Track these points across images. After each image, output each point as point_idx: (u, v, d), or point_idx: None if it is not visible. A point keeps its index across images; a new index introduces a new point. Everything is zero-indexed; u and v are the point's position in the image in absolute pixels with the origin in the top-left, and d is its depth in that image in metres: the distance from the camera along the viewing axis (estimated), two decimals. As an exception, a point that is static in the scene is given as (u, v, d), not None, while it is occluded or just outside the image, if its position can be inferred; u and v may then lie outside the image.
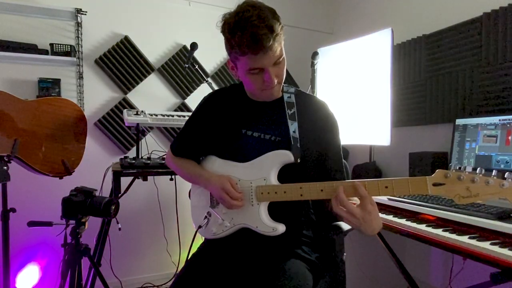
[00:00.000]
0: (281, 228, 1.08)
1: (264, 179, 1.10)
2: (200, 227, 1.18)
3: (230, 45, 1.05)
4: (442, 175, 0.91)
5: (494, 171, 0.90)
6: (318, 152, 1.17)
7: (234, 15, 1.02)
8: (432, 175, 0.92)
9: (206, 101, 1.28)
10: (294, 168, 1.11)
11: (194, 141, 1.27)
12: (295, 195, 1.06)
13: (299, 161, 1.10)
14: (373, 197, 0.96)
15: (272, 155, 1.11)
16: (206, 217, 1.18)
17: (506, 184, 0.86)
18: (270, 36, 0.98)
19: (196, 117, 1.29)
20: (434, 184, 0.92)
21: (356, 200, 0.99)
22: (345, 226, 1.31)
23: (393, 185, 0.96)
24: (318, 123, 1.18)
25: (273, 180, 1.10)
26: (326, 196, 1.03)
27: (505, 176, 0.87)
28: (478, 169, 0.89)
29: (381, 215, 1.63)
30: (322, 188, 1.03)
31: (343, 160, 1.24)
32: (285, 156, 1.09)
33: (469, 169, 0.90)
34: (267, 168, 1.10)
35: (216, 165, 1.20)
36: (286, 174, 1.12)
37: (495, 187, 0.87)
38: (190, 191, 1.31)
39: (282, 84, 1.17)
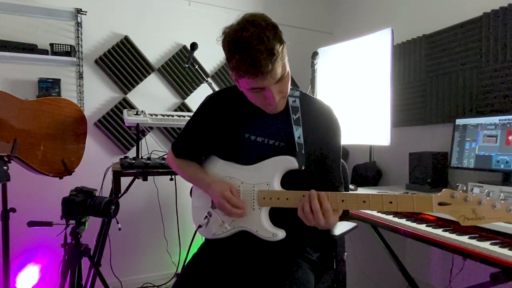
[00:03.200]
0: (281, 234, 1.08)
1: (267, 184, 1.09)
2: (200, 226, 1.18)
3: (229, 65, 1.02)
4: (448, 195, 0.91)
5: (502, 194, 0.90)
6: (320, 157, 1.16)
7: (233, 33, 0.97)
8: (438, 194, 0.92)
9: (208, 102, 1.25)
10: (298, 174, 1.10)
11: (196, 143, 1.26)
12: (297, 203, 1.04)
13: (303, 168, 1.09)
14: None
15: (276, 160, 1.10)
16: (206, 216, 1.17)
17: None
18: (269, 61, 0.94)
19: (197, 118, 1.26)
20: (440, 204, 0.92)
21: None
22: (344, 227, 1.31)
23: (397, 201, 0.96)
24: (322, 128, 1.17)
25: (276, 185, 1.09)
26: None
27: None
28: (486, 191, 0.89)
29: (380, 215, 1.64)
30: None
31: (340, 164, 1.22)
32: (290, 163, 1.08)
33: (476, 191, 0.91)
34: (270, 173, 1.10)
35: (218, 166, 1.19)
36: (289, 179, 1.11)
37: (502, 211, 0.86)
38: (191, 189, 1.30)
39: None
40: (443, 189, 0.92)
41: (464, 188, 0.91)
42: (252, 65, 0.94)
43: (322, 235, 1.26)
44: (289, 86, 1.10)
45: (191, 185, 1.30)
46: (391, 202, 0.97)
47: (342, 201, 1.01)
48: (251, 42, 0.93)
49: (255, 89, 1.03)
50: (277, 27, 0.98)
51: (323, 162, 1.16)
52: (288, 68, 1.05)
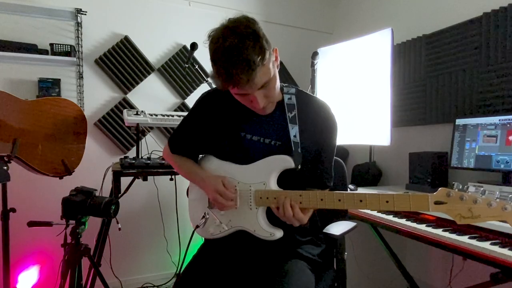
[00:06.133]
0: (278, 233, 1.08)
1: (264, 184, 1.09)
2: (197, 226, 1.18)
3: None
4: (444, 194, 0.91)
5: (497, 192, 0.91)
6: (315, 154, 1.15)
7: (215, 41, 0.96)
8: (434, 193, 0.92)
9: (204, 99, 1.24)
10: (294, 173, 1.09)
11: (191, 140, 1.25)
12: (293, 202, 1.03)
13: (299, 167, 1.09)
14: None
15: (272, 160, 1.10)
16: (203, 216, 1.16)
17: (509, 208, 0.86)
18: (245, 74, 0.93)
19: (193, 115, 1.26)
20: (436, 202, 0.92)
21: None
22: (344, 227, 1.31)
23: (394, 200, 0.96)
24: (318, 126, 1.16)
25: (273, 185, 1.09)
26: (325, 206, 1.02)
27: (509, 200, 0.86)
28: (481, 190, 0.90)
29: (380, 215, 1.64)
30: (322, 197, 1.02)
31: (333, 161, 1.22)
32: (286, 162, 1.08)
33: (472, 189, 0.90)
34: (267, 172, 1.10)
35: (214, 165, 1.19)
36: (286, 178, 1.11)
37: (497, 210, 0.86)
38: (188, 188, 1.30)
39: (282, 85, 1.14)
40: (439, 188, 0.92)
41: (461, 187, 0.91)
42: (228, 77, 0.95)
43: (321, 234, 1.26)
44: (277, 89, 1.07)
45: (189, 182, 1.30)
46: (387, 202, 0.97)
47: (339, 200, 1.01)
48: (228, 53, 0.92)
49: (240, 94, 1.03)
50: (259, 35, 0.95)
51: (317, 159, 1.16)
52: (273, 72, 1.02)
